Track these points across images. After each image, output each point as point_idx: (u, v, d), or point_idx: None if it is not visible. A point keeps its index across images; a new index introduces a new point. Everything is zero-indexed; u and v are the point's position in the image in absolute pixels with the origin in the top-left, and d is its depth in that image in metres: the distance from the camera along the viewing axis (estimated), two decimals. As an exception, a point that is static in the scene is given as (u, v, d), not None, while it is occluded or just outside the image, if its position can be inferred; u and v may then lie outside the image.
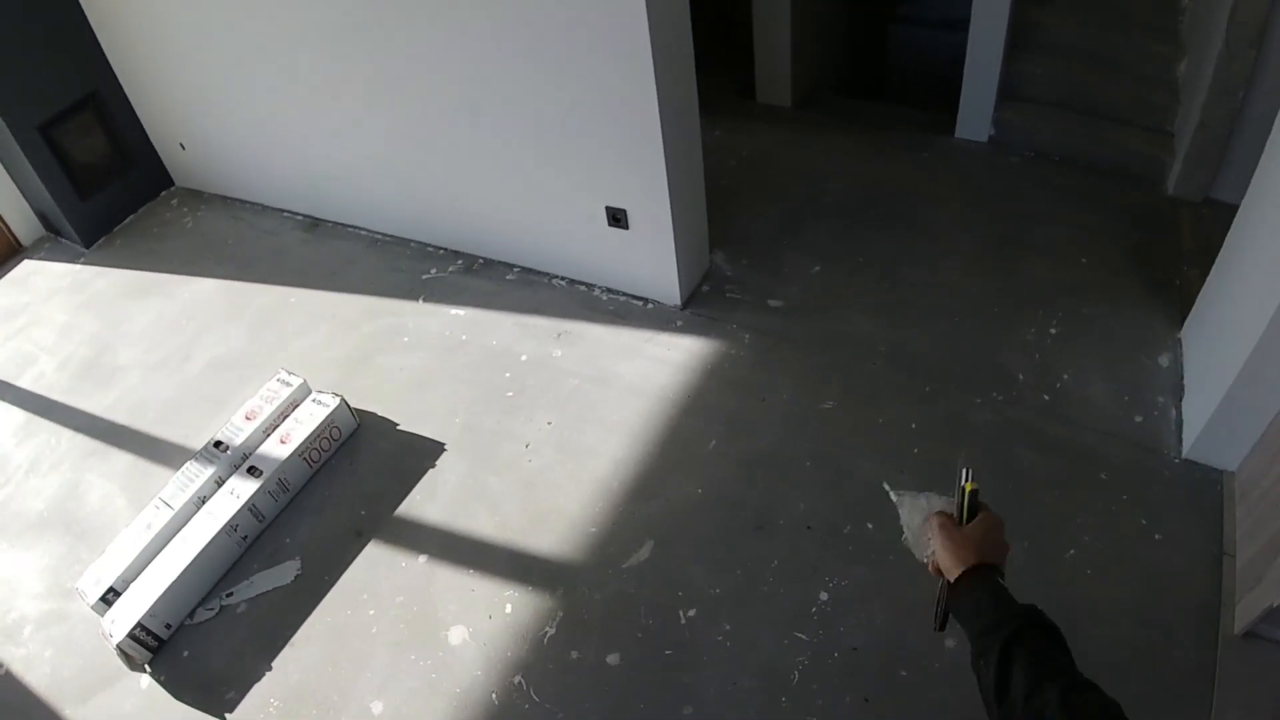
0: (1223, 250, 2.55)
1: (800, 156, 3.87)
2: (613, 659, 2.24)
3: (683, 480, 2.61)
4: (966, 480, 1.21)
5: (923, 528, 1.22)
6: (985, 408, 2.68)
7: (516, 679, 2.22)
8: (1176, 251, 3.12)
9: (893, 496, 1.29)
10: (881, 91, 4.56)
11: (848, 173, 3.72)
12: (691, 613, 2.30)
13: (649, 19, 2.37)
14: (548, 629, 2.31)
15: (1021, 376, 2.75)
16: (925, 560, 1.22)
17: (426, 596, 2.43)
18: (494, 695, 2.20)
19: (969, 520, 1.20)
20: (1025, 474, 2.49)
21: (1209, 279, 2.62)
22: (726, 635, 2.24)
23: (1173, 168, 3.32)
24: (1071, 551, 2.29)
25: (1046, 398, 2.68)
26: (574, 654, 2.26)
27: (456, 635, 2.33)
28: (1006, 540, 1.19)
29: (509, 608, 2.37)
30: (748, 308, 3.12)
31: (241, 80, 3.51)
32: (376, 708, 2.22)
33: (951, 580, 1.15)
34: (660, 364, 2.96)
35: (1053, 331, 2.87)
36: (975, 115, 3.72)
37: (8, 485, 2.98)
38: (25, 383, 3.37)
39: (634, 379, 2.93)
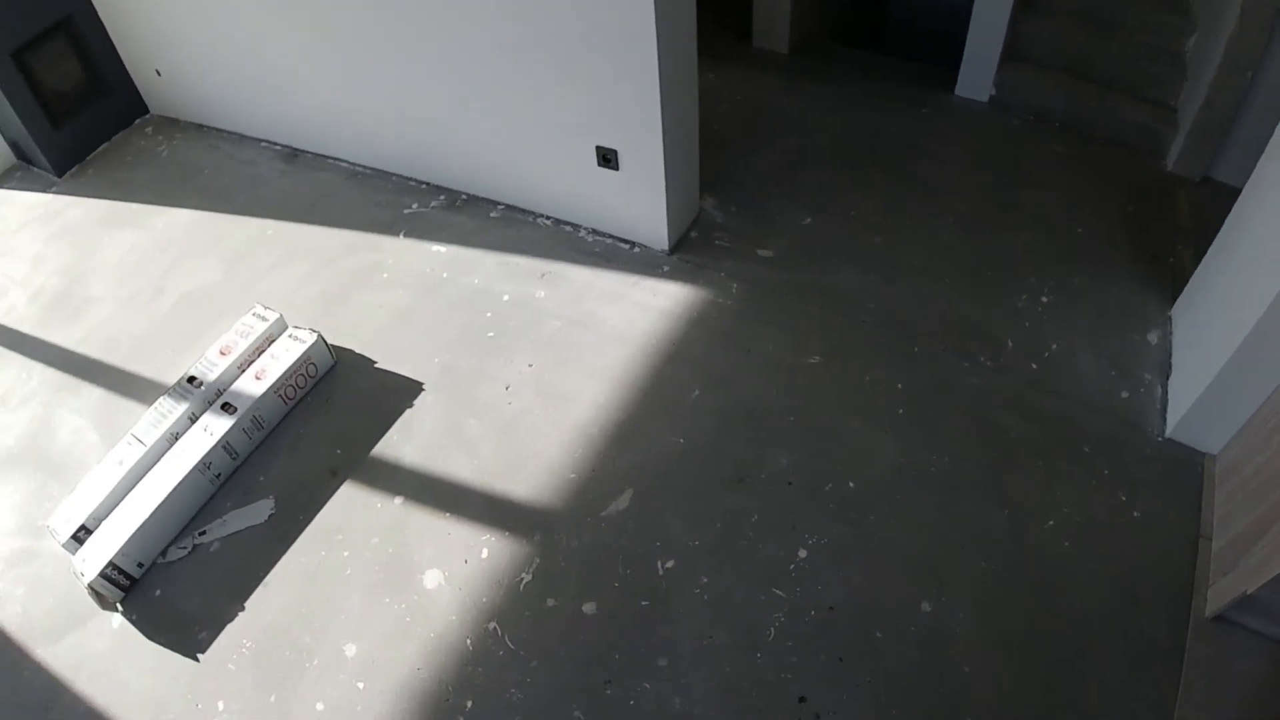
0: (1221, 233, 2.53)
1: (794, 104, 3.78)
2: (589, 608, 2.22)
3: (663, 430, 2.58)
4: None
5: None
6: (972, 372, 2.66)
7: (491, 625, 2.20)
8: (1172, 228, 3.10)
9: None
10: (881, 42, 4.45)
11: (843, 123, 3.64)
12: (669, 564, 2.29)
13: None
14: (524, 575, 2.29)
15: (1010, 343, 2.74)
16: None
17: (402, 539, 2.39)
18: (468, 640, 2.17)
19: None
20: (1009, 441, 2.49)
21: (1205, 260, 2.60)
22: (704, 588, 2.24)
23: (1174, 144, 3.29)
24: (1050, 522, 2.30)
25: (1034, 366, 2.67)
26: (550, 601, 2.24)
27: (431, 579, 2.30)
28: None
29: (485, 552, 2.34)
30: (737, 256, 3.06)
31: (221, 3, 3.31)
32: (350, 650, 2.19)
33: None
34: (645, 309, 2.90)
35: (1044, 300, 2.86)
36: (977, 74, 3.65)
37: (-27, 415, 2.88)
38: (-5, 316, 3.24)
39: (618, 324, 2.87)
